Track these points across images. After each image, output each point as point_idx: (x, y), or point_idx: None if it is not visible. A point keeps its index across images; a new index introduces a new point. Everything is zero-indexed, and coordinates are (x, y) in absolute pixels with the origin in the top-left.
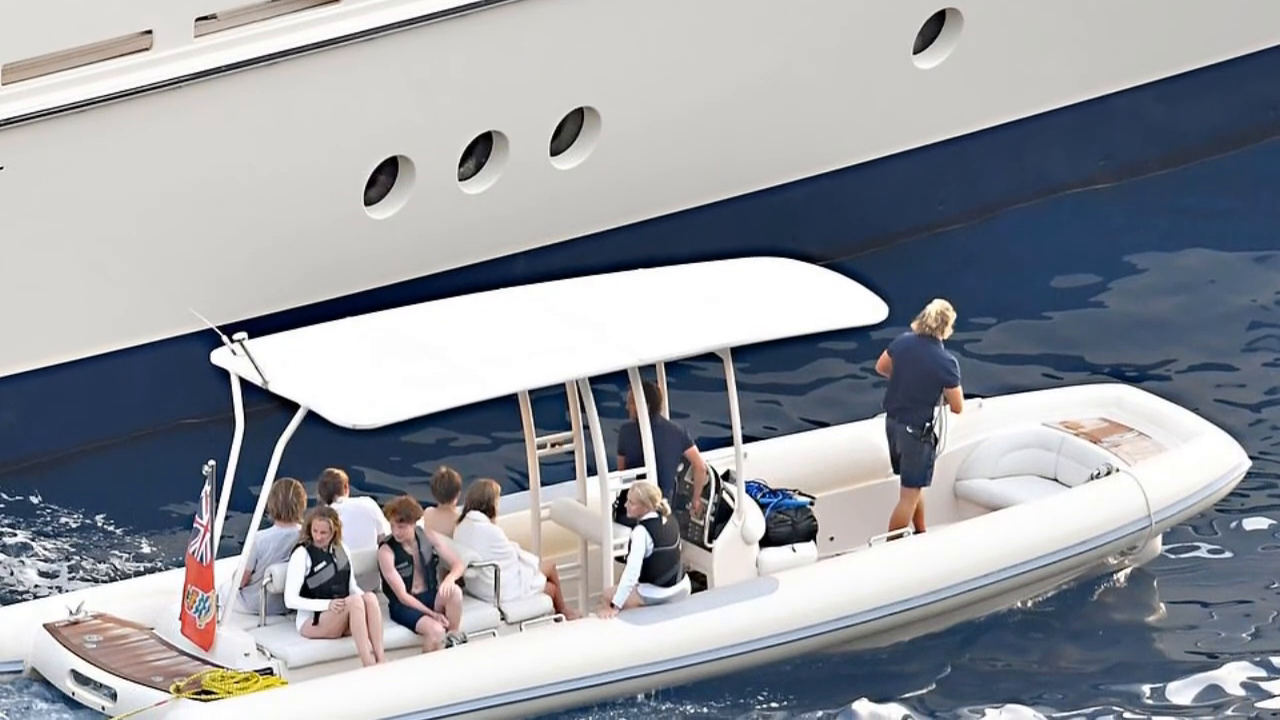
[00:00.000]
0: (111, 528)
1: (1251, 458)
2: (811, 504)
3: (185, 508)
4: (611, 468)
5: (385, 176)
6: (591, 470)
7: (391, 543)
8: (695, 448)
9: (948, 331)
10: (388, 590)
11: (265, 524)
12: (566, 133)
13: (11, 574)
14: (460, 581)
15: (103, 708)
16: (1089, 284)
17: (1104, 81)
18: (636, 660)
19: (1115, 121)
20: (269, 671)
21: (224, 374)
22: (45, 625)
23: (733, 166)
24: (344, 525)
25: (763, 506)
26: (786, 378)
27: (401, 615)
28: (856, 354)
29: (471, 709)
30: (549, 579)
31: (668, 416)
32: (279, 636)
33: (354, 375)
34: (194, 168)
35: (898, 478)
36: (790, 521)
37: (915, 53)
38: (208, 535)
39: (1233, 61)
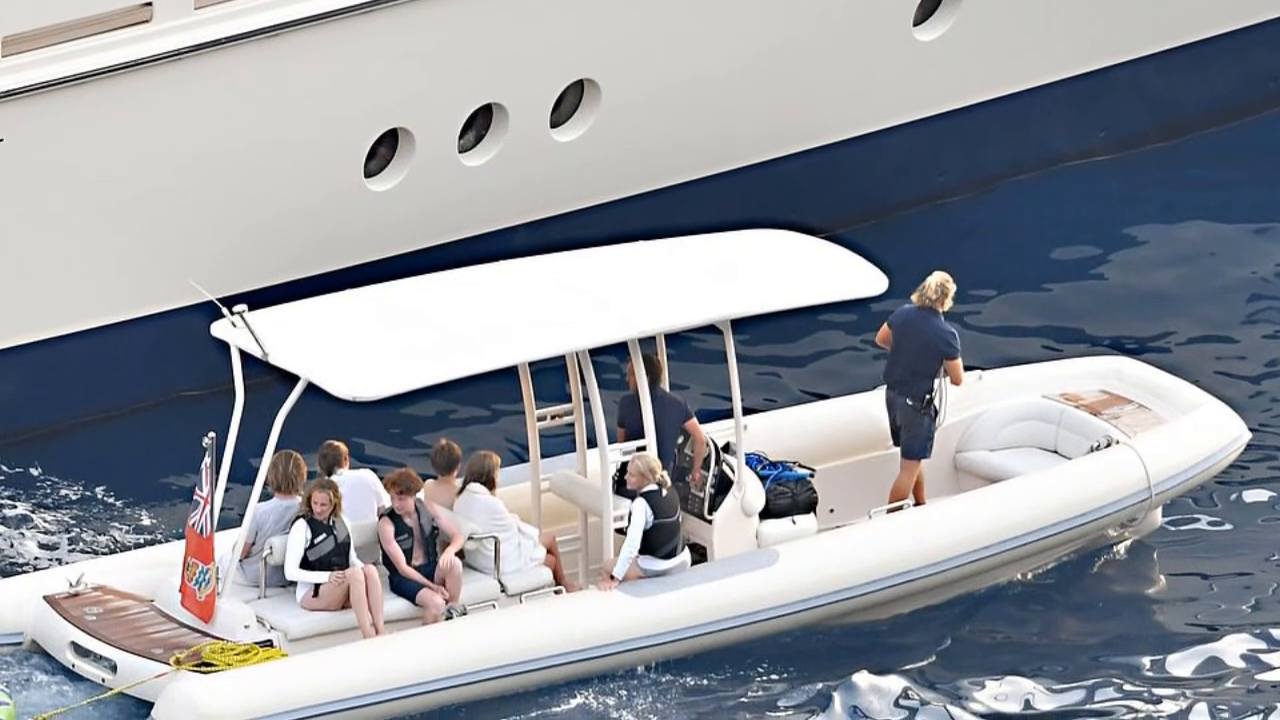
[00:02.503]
0: (111, 500)
1: (1251, 429)
2: (811, 476)
3: (185, 480)
4: (611, 440)
5: (385, 148)
6: (591, 442)
7: (391, 515)
8: (695, 420)
9: (948, 303)
10: (388, 562)
11: (265, 496)
12: (566, 105)
13: (11, 546)
14: (460, 553)
15: (103, 679)
16: (1089, 256)
17: (1104, 53)
18: (636, 632)
19: (1115, 93)
20: (269, 643)
21: (224, 346)
22: (45, 597)
23: (733, 138)
24: (344, 497)
25: (763, 479)
26: (786, 350)
27: (401, 587)
28: (856, 326)
29: (471, 681)
30: (549, 551)
31: (668, 388)
32: (279, 608)
33: (354, 347)
34: (194, 140)
35: (898, 450)
36: (790, 493)
37: (916, 24)
38: (208, 507)
39: (1233, 33)
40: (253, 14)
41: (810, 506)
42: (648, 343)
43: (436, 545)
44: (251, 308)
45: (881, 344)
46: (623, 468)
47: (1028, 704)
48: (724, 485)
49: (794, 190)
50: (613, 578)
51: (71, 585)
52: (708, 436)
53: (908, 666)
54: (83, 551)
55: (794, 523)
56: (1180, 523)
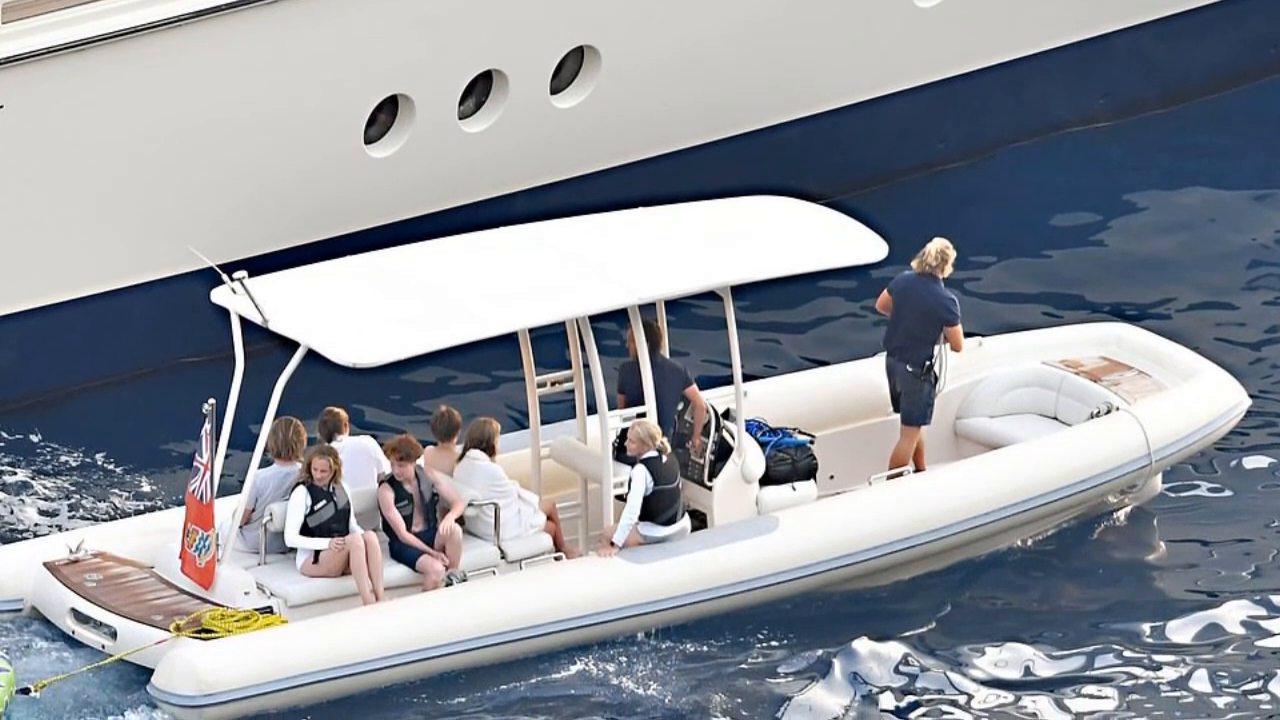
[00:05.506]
0: (111, 466)
1: (1251, 396)
2: (811, 442)
3: (185, 446)
4: (611, 406)
5: (385, 115)
6: (591, 409)
7: (391, 481)
8: (695, 386)
9: (948, 270)
10: (388, 529)
11: (265, 462)
12: (566, 71)
13: (11, 512)
14: (460, 520)
15: (103, 646)
16: (1089, 222)
17: (1104, 19)
18: (636, 599)
19: (1115, 59)
20: (269, 610)
21: (224, 312)
22: (45, 564)
23: (733, 105)
24: (344, 464)
25: (763, 445)
26: (786, 316)
27: (401, 554)
28: (856, 292)
29: (471, 647)
30: (549, 517)
31: (668, 355)
32: (279, 575)
33: (354, 314)
34: (194, 106)
35: (898, 416)
36: (790, 460)
37: None
38: (208, 474)
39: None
40: None
41: (810, 473)
42: (648, 309)
43: (436, 512)
44: (251, 274)
45: (881, 310)
46: (623, 434)
47: (1028, 670)
48: (724, 452)
49: (794, 157)
50: (613, 544)
51: (71, 551)
52: (708, 403)
53: (908, 633)
54: (83, 518)
55: (794, 489)
56: (1180, 489)
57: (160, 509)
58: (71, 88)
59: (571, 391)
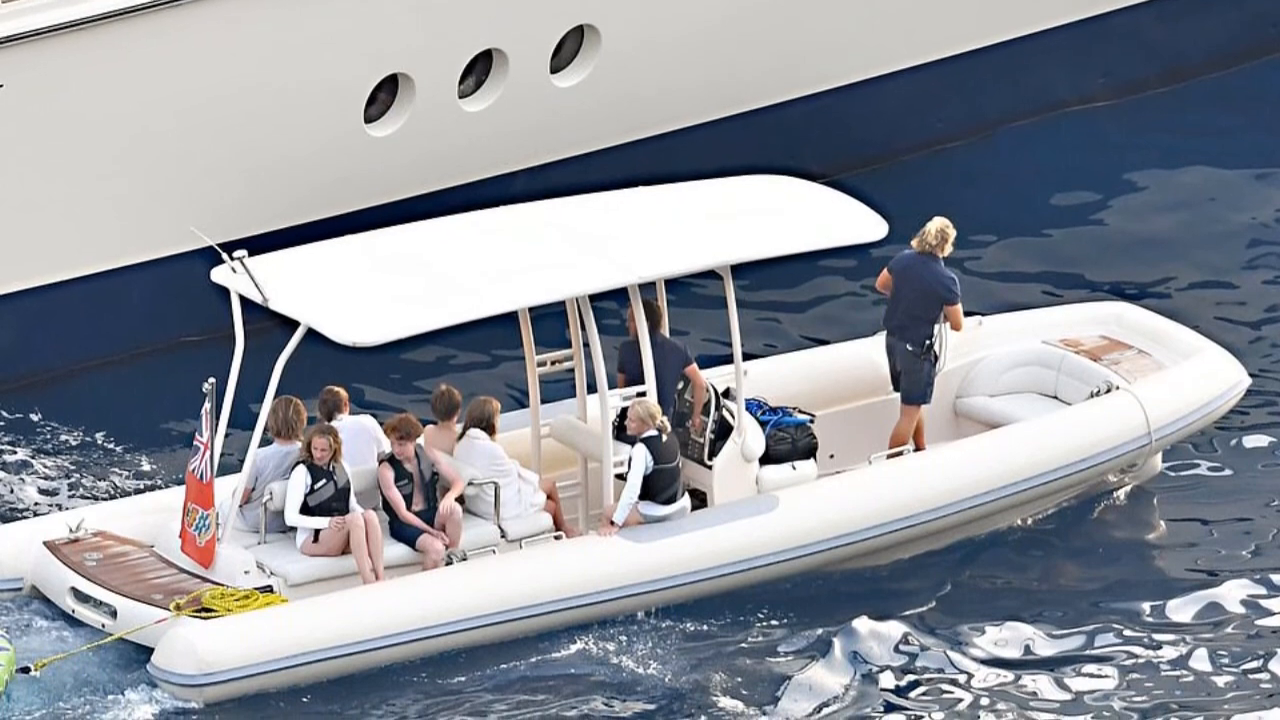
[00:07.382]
0: (111, 445)
1: (1251, 375)
2: (811, 421)
3: (185, 425)
4: (612, 385)
5: (385, 94)
6: (591, 388)
7: (391, 460)
8: (695, 365)
9: (948, 249)
10: (388, 508)
11: (265, 441)
12: (566, 50)
13: (11, 492)
14: (460, 499)
15: (103, 625)
16: (1089, 202)
17: None
18: (636, 578)
19: (1115, 39)
20: (269, 589)
21: (224, 292)
22: (45, 543)
23: (733, 84)
24: (344, 443)
25: (763, 424)
26: (787, 295)
27: (401, 533)
28: (856, 271)
29: (471, 626)
30: (549, 496)
31: (668, 334)
32: (279, 554)
33: (354, 293)
34: (194, 85)
35: (898, 395)
36: (790, 439)
37: None
38: (208, 453)
39: None
40: None
41: (810, 452)
42: (648, 288)
43: (436, 491)
44: (251, 253)
45: (882, 289)
46: (623, 413)
47: (1027, 649)
48: (724, 431)
49: (794, 136)
50: (613, 523)
51: (71, 531)
52: (708, 382)
53: (908, 612)
54: (83, 497)
55: (794, 468)
56: (1180, 468)
57: (160, 488)
58: (71, 67)
59: (571, 371)
